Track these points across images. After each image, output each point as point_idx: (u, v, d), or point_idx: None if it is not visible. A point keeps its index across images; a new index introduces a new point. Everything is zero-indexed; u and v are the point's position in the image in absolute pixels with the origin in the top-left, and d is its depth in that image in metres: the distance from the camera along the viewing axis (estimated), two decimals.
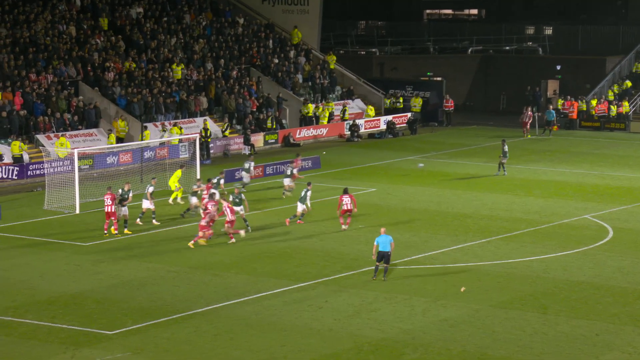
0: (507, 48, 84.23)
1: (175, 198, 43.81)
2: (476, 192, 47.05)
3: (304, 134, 63.89)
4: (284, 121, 64.58)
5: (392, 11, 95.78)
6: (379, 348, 26.49)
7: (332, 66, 71.86)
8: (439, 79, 76.49)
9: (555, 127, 65.68)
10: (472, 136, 65.85)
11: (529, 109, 66.06)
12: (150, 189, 40.21)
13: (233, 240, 37.21)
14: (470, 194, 46.59)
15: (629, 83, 70.85)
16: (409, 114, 69.17)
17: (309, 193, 40.44)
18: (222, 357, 25.83)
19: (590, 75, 73.92)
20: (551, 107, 67.16)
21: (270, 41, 70.69)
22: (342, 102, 69.09)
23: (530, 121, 64.49)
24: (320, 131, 64.93)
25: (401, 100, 71.59)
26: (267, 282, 32.42)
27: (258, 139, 60.76)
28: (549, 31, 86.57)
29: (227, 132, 59.84)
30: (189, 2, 70.41)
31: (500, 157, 50.74)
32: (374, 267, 32.61)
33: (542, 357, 25.82)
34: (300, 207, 40.09)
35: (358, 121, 66.45)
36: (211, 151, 57.24)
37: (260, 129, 62.05)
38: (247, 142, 59.29)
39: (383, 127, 67.44)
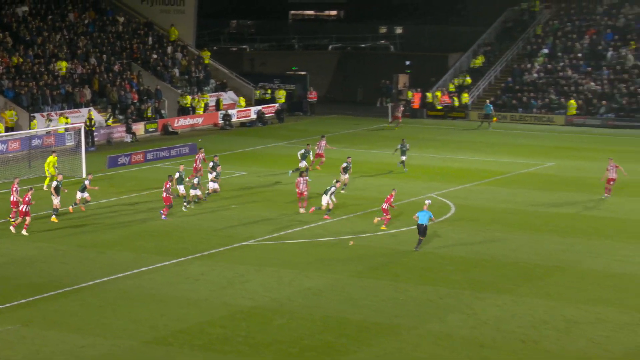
0: (363, 45, 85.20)
1: (50, 184, 39.80)
2: (337, 174, 47.44)
3: (182, 123, 63.28)
4: (163, 111, 63.82)
5: (260, 12, 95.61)
6: (250, 315, 26.56)
7: (206, 61, 71.31)
8: (303, 73, 76.82)
9: (495, 119, 64.54)
10: (333, 124, 66.46)
11: (400, 104, 66.17)
12: (177, 175, 38.97)
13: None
14: (331, 176, 46.93)
15: (468, 79, 72.54)
16: (277, 105, 69.35)
17: (333, 189, 38.10)
18: (106, 327, 25.47)
19: (435, 69, 75.38)
20: (488, 101, 66.07)
21: (150, 38, 69.66)
22: (216, 94, 68.69)
23: (401, 114, 64.48)
24: (197, 120, 64.44)
25: (269, 92, 71.68)
26: (148, 258, 32.07)
27: (139, 128, 59.89)
28: (399, 30, 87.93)
29: (110, 122, 58.78)
30: (72, 1, 68.74)
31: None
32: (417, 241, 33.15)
33: (394, 320, 26.30)
34: (324, 200, 37.66)
35: (231, 111, 66.25)
36: (95, 139, 56.11)
37: (141, 118, 61.19)
38: (129, 130, 58.42)
39: (253, 116, 67.38)
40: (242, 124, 66.20)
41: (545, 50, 72.06)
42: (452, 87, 71.43)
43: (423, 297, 28.08)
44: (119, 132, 58.68)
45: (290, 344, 24.51)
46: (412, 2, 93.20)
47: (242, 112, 67.56)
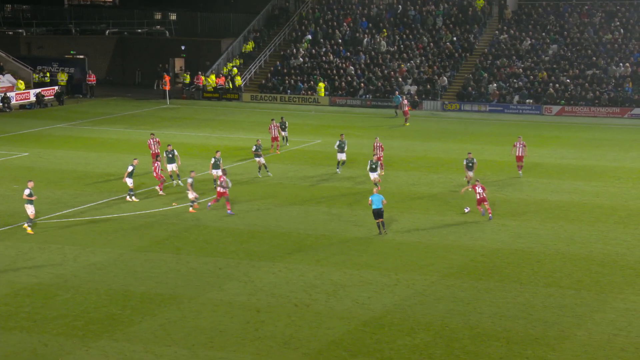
0: (140, 31, 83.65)
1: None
2: (119, 154, 46.43)
3: None
4: None
5: None
6: (34, 292, 25.54)
7: None
8: (81, 56, 74.47)
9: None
10: (113, 106, 64.79)
11: (404, 99, 59.73)
12: (130, 168, 35.80)
13: None
14: (114, 155, 45.89)
15: (238, 61, 72.74)
16: (57, 87, 66.78)
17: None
18: None
19: (209, 54, 75.18)
20: (397, 92, 63.06)
21: None
22: None
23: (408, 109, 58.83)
24: None
25: (48, 75, 68.93)
26: None
27: None
28: (173, 17, 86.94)
29: None
30: None
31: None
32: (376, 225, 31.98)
33: (176, 290, 26.13)
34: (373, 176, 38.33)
35: (9, 94, 63.07)
36: None
37: None
38: None
39: (33, 99, 64.51)
40: (22, 107, 63.26)
41: (309, 37, 73.49)
42: (225, 71, 71.42)
43: (203, 268, 28.05)
44: None
45: (75, 317, 23.78)
46: None
47: (21, 94, 64.51)
